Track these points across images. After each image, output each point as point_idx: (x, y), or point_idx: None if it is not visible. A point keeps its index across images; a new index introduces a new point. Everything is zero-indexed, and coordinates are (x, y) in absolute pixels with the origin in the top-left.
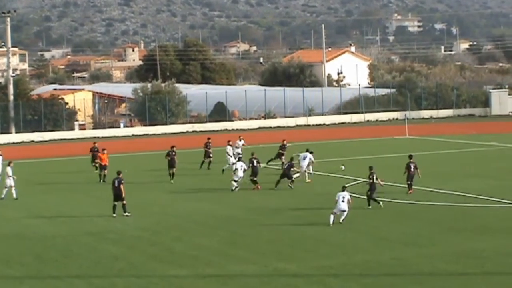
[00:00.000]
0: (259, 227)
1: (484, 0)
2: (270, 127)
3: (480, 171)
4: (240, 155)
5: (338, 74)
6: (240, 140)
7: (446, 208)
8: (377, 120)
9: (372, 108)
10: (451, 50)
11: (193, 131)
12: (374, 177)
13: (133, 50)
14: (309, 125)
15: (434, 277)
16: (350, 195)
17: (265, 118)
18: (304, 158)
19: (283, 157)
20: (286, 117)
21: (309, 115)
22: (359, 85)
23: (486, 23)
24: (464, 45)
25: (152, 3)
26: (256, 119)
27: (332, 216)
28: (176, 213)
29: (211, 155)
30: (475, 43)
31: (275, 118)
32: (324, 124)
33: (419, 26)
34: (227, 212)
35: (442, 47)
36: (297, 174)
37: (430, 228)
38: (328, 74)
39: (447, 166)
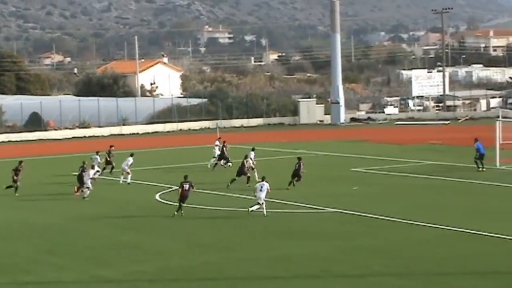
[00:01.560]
0: (76, 234)
1: (292, 12)
2: (85, 137)
3: (289, 177)
4: (215, 157)
5: (151, 84)
6: (219, 140)
7: (257, 214)
8: (189, 129)
9: (185, 118)
10: (261, 61)
11: (8, 141)
12: (186, 186)
13: None
14: (123, 134)
15: (246, 281)
16: (269, 185)
17: (79, 128)
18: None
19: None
20: (100, 126)
21: (123, 125)
22: (172, 95)
23: (294, 35)
24: (274, 56)
25: None
26: (70, 128)
27: (255, 206)
28: None
29: (113, 163)
30: (284, 54)
31: (90, 127)
32: (137, 133)
33: (230, 38)
34: (44, 220)
35: (252, 58)
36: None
37: (243, 233)
38: (142, 84)
39: (257, 173)
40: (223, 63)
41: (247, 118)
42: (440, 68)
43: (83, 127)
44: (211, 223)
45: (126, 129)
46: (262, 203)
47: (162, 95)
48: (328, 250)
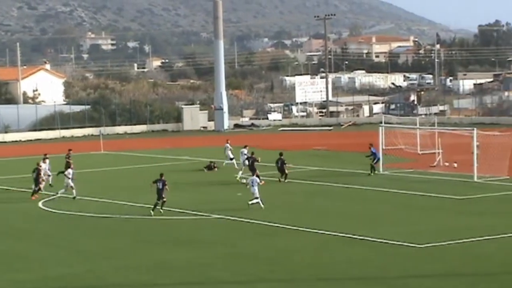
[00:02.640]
0: None
1: (175, 19)
2: None
3: (174, 184)
4: (233, 157)
5: (34, 91)
6: (228, 144)
7: (140, 221)
8: (72, 136)
9: (68, 125)
10: (144, 68)
11: None
12: (160, 185)
13: None
14: (5, 142)
15: None
16: (258, 179)
17: None
18: (241, 153)
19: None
20: None
21: (5, 132)
22: (55, 102)
23: (177, 41)
24: (157, 63)
25: None
26: None
27: (257, 200)
28: None
29: (71, 166)
30: (167, 60)
31: None
32: (20, 140)
33: (112, 44)
34: None
35: (135, 65)
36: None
37: (126, 241)
38: (24, 91)
39: (140, 180)
40: (106, 70)
41: (131, 125)
42: (323, 74)
43: None
44: (95, 231)
45: (9, 137)
46: (258, 197)
47: (44, 102)
48: (212, 256)
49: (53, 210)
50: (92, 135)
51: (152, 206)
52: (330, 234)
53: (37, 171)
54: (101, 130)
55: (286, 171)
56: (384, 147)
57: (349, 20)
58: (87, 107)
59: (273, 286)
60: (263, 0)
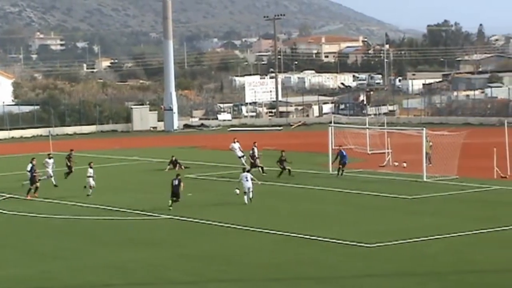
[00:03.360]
0: None
1: (124, 19)
2: None
3: (124, 184)
4: (243, 156)
5: None
6: (235, 143)
7: (92, 222)
8: (21, 137)
9: (17, 125)
10: (93, 68)
11: None
12: (176, 182)
13: None
14: None
15: None
16: (252, 176)
17: None
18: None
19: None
20: None
21: None
22: (3, 102)
23: (127, 42)
24: (106, 63)
25: None
26: None
27: (245, 197)
28: None
29: (73, 168)
30: (116, 60)
31: None
32: None
33: (61, 45)
34: None
35: (85, 65)
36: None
37: (78, 241)
38: None
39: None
40: (55, 70)
41: (80, 125)
42: (273, 75)
43: None
44: (47, 232)
45: None
46: (251, 191)
47: None
48: (163, 257)
49: (4, 211)
50: (41, 135)
51: (170, 202)
52: (282, 234)
53: (33, 169)
54: (50, 130)
55: (286, 168)
56: (333, 147)
57: (298, 21)
58: (36, 107)
59: (225, 286)
60: (213, 1)
